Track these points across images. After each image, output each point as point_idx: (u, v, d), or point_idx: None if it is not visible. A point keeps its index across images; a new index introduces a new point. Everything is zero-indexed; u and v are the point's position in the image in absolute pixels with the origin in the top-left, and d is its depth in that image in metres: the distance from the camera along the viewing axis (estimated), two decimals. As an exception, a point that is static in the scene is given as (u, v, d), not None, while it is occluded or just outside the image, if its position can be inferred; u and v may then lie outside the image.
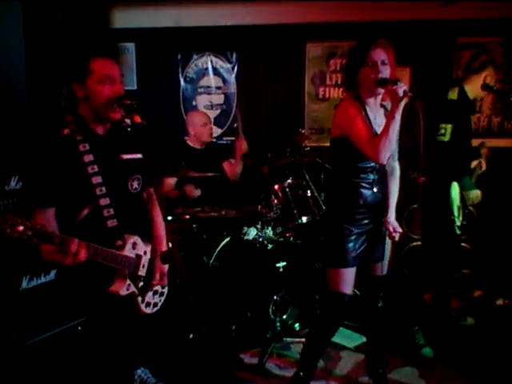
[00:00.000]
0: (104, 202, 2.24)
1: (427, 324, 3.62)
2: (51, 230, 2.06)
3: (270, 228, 4.00)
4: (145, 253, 2.43)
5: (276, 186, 4.02)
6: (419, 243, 4.59)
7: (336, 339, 2.99)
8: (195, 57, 5.69)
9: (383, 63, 2.54)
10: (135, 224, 2.40)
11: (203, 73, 5.70)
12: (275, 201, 3.97)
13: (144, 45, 5.71)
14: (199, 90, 5.74)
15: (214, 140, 4.77)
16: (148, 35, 5.64)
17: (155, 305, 2.49)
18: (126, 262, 2.30)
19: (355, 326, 3.63)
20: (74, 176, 2.20)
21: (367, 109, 2.64)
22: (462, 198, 3.57)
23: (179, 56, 5.71)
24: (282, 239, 3.98)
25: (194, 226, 3.90)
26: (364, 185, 2.69)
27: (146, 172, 2.37)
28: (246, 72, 5.59)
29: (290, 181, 4.03)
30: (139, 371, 2.80)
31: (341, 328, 3.23)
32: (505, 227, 4.78)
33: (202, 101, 5.74)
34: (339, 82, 5.38)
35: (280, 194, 3.99)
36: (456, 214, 3.53)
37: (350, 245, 2.68)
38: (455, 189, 3.53)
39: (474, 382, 3.16)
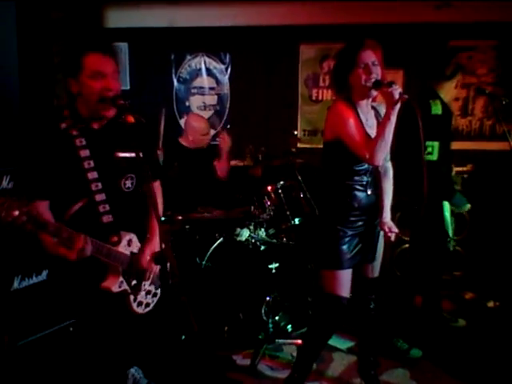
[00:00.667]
0: (99, 197, 2.24)
1: (418, 326, 3.63)
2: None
3: (262, 229, 3.99)
4: (139, 251, 2.42)
5: (269, 188, 4.01)
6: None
7: (328, 341, 3.00)
8: (189, 57, 5.69)
9: (374, 64, 2.56)
10: (132, 222, 2.40)
11: (196, 73, 5.70)
12: (268, 202, 3.96)
13: (137, 45, 5.70)
14: (192, 91, 5.74)
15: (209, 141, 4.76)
16: (141, 35, 5.63)
17: (147, 305, 2.48)
18: (120, 258, 2.30)
19: (347, 327, 3.64)
20: (69, 170, 2.20)
21: (359, 111, 2.64)
22: (453, 213, 3.58)
23: (172, 56, 5.71)
24: (274, 240, 3.98)
25: (187, 226, 3.89)
26: (358, 187, 2.69)
27: (140, 171, 2.31)
28: (240, 73, 5.59)
29: (282, 182, 4.03)
30: (132, 370, 2.80)
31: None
32: (496, 230, 4.81)
33: (195, 101, 5.74)
34: (332, 83, 5.40)
35: (273, 196, 3.99)
36: (451, 234, 3.55)
37: (345, 246, 2.68)
38: (447, 209, 3.54)
39: (465, 384, 3.18)
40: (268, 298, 3.61)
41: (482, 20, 4.99)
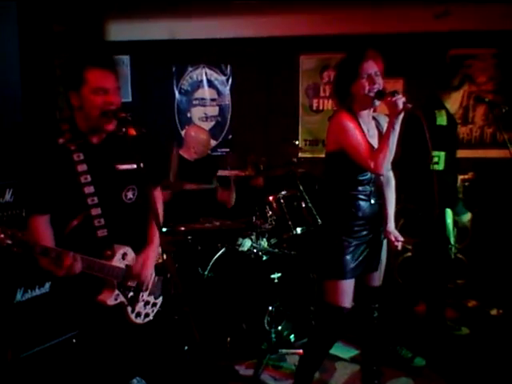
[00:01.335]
0: (95, 211, 2.25)
1: (421, 334, 3.62)
2: (42, 237, 2.14)
3: (264, 239, 4.00)
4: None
5: (271, 198, 4.02)
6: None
7: (331, 350, 2.99)
8: (190, 69, 5.72)
9: (376, 74, 2.57)
10: (127, 234, 2.39)
11: (198, 85, 5.74)
12: (270, 212, 3.97)
13: (139, 57, 5.74)
14: (194, 102, 5.77)
15: (209, 152, 4.78)
16: (143, 48, 5.68)
17: (147, 315, 2.47)
18: (114, 272, 2.30)
19: (350, 336, 3.63)
20: (66, 185, 2.21)
21: (360, 121, 2.65)
22: (455, 223, 3.59)
23: (174, 68, 5.75)
24: (276, 250, 3.98)
25: (189, 237, 3.90)
26: (362, 197, 2.68)
27: (142, 182, 2.34)
28: (241, 84, 5.62)
29: (284, 192, 4.04)
30: (135, 381, 2.79)
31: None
32: (498, 238, 4.80)
33: (196, 113, 5.77)
34: (333, 93, 5.42)
35: (274, 206, 4.00)
36: (452, 242, 3.55)
37: (348, 256, 2.66)
38: (450, 216, 3.54)
39: (468, 392, 3.17)
40: (270, 308, 3.61)
41: (482, 29, 5.02)
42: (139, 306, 2.44)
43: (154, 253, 2.44)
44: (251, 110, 5.60)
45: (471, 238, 4.85)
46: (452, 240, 3.59)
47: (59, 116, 4.34)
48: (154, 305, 2.52)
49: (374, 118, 2.76)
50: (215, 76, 5.69)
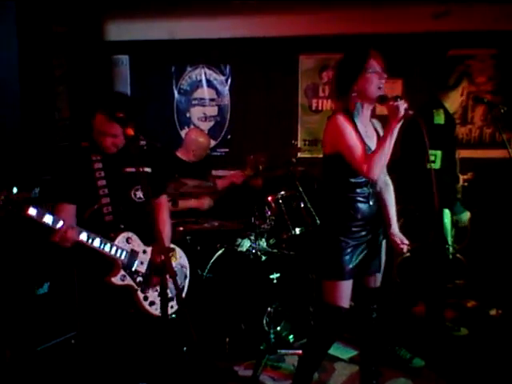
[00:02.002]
0: (105, 200, 2.64)
1: (420, 335, 3.62)
2: (69, 220, 2.45)
3: (263, 239, 4.00)
4: (144, 252, 2.69)
5: (269, 198, 4.02)
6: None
7: (330, 351, 2.99)
8: (189, 69, 5.71)
9: (383, 71, 2.59)
10: (134, 225, 2.68)
11: (197, 85, 5.72)
12: (269, 212, 3.97)
13: (138, 57, 5.73)
14: (193, 102, 5.76)
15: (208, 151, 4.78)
16: (142, 48, 5.66)
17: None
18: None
19: (349, 337, 3.63)
20: (85, 179, 2.63)
21: (358, 123, 2.64)
22: (454, 223, 3.58)
23: (173, 68, 5.73)
24: (275, 250, 3.98)
25: (188, 237, 3.90)
26: (360, 199, 2.68)
27: (151, 185, 2.53)
28: (240, 84, 5.61)
29: (283, 192, 4.04)
30: None
31: (335, 339, 3.23)
32: (497, 238, 4.79)
33: (195, 113, 5.76)
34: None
35: (273, 206, 4.00)
36: (450, 242, 3.55)
37: (347, 257, 2.66)
38: (447, 216, 3.54)
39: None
40: (269, 309, 3.61)
41: (481, 29, 5.01)
42: (152, 295, 2.62)
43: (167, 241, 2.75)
44: (250, 110, 5.59)
45: (470, 238, 4.83)
46: (450, 240, 3.58)
47: (58, 116, 4.34)
48: (171, 299, 2.60)
49: (370, 121, 2.76)
50: (214, 76, 5.68)
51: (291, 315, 3.78)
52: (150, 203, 2.40)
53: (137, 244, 2.66)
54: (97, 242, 2.49)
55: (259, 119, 5.57)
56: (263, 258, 3.79)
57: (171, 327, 2.63)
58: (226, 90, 5.67)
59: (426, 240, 3.56)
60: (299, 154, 4.88)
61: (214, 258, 3.81)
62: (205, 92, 5.72)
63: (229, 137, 5.68)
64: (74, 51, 4.99)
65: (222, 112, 5.70)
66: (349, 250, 2.67)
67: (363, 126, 2.67)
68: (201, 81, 5.71)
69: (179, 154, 4.36)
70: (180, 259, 3.01)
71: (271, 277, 3.67)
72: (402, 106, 2.44)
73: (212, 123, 5.73)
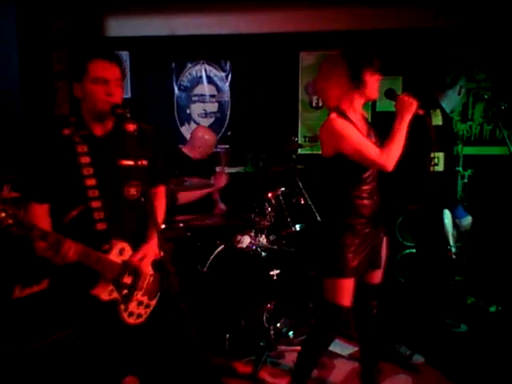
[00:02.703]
0: (95, 204, 2.26)
1: (420, 331, 3.62)
2: (40, 224, 2.13)
3: (263, 236, 3.99)
4: None
5: (269, 194, 4.02)
6: (413, 250, 4.61)
7: (330, 347, 2.99)
8: (189, 65, 5.70)
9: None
10: (127, 230, 2.39)
11: (197, 81, 5.72)
12: (269, 209, 3.97)
13: (138, 53, 5.72)
14: (193, 99, 5.75)
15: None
16: (142, 44, 5.65)
17: (139, 315, 2.43)
18: (110, 266, 2.29)
19: (349, 333, 3.63)
20: (68, 175, 2.23)
21: (353, 120, 2.61)
22: (455, 226, 3.57)
23: (173, 64, 5.73)
24: (275, 247, 3.98)
25: (188, 234, 3.90)
26: (365, 195, 2.65)
27: (146, 179, 2.35)
28: (240, 80, 5.61)
29: (283, 189, 4.04)
30: (128, 379, 2.78)
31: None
32: (498, 234, 4.79)
33: (196, 109, 5.75)
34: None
35: (273, 202, 3.99)
36: (452, 243, 3.54)
37: (351, 255, 2.63)
38: (448, 216, 3.53)
39: (467, 389, 3.17)
40: (269, 305, 3.61)
41: (480, 25, 5.00)
42: (133, 305, 2.41)
43: (153, 251, 2.40)
44: (251, 107, 5.59)
45: (470, 236, 4.84)
46: (451, 241, 3.57)
47: (57, 111, 4.34)
48: (148, 306, 2.47)
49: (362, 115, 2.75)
50: (214, 72, 5.67)
51: (291, 312, 3.78)
52: (149, 200, 2.21)
53: (128, 254, 2.36)
54: None
55: (259, 116, 5.57)
56: (263, 254, 3.79)
57: (162, 326, 2.61)
58: (226, 86, 5.66)
59: (427, 240, 3.56)
60: (299, 151, 4.88)
61: (214, 254, 3.80)
62: (205, 88, 5.71)
63: (229, 133, 5.68)
64: (74, 47, 4.98)
65: (222, 108, 5.70)
66: (353, 248, 2.64)
67: (358, 122, 2.64)
68: (201, 77, 5.70)
69: (185, 150, 4.37)
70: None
71: (271, 273, 3.66)
72: (415, 102, 2.45)
73: (212, 119, 5.73)
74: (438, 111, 3.43)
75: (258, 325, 3.59)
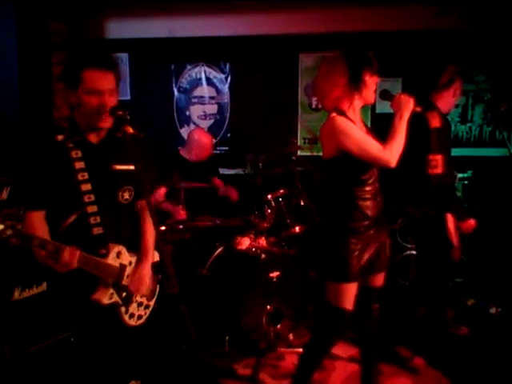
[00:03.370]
0: (91, 209, 2.25)
1: (421, 333, 3.61)
2: (38, 232, 2.12)
3: (263, 237, 3.99)
4: (130, 263, 2.40)
5: (269, 196, 4.01)
6: (413, 252, 4.61)
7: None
8: (189, 67, 5.71)
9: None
10: (123, 234, 2.39)
11: (197, 83, 5.72)
12: (268, 210, 3.96)
13: (137, 55, 5.73)
14: (193, 100, 5.76)
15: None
16: (141, 45, 5.66)
17: (139, 317, 2.44)
18: (109, 270, 2.29)
19: (349, 335, 3.62)
20: (63, 181, 2.21)
21: (353, 120, 2.60)
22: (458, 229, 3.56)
23: (173, 66, 5.73)
24: (275, 249, 3.97)
25: (188, 235, 3.89)
26: (369, 196, 2.62)
27: (139, 184, 2.32)
28: (240, 82, 5.61)
29: (283, 190, 4.03)
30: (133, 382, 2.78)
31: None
32: (497, 236, 4.79)
33: (195, 111, 5.76)
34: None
35: (273, 204, 3.99)
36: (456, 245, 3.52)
37: (355, 259, 2.60)
38: (450, 220, 3.51)
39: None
40: (269, 307, 3.61)
41: (480, 27, 5.00)
42: (133, 307, 2.42)
43: (150, 264, 2.41)
44: (250, 109, 5.59)
45: (470, 237, 4.84)
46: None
47: (56, 114, 4.34)
48: (147, 307, 2.49)
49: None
50: (214, 74, 5.67)
51: (291, 313, 3.77)
52: (147, 202, 2.13)
53: (125, 258, 2.37)
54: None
55: (259, 117, 5.57)
56: (263, 256, 3.78)
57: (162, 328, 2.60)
58: (225, 88, 5.66)
59: (428, 243, 3.55)
60: (299, 152, 4.87)
61: (214, 256, 3.80)
62: (204, 90, 5.72)
63: (228, 135, 5.68)
64: (73, 49, 4.98)
65: (221, 110, 5.70)
66: (357, 253, 2.61)
67: (357, 122, 2.63)
68: (200, 79, 5.71)
69: (182, 152, 4.37)
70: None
71: (271, 275, 3.65)
72: (411, 98, 2.45)
73: (212, 121, 5.73)
74: (436, 113, 3.41)
75: (257, 326, 3.59)
